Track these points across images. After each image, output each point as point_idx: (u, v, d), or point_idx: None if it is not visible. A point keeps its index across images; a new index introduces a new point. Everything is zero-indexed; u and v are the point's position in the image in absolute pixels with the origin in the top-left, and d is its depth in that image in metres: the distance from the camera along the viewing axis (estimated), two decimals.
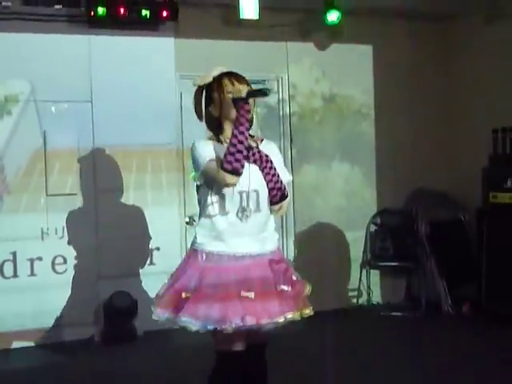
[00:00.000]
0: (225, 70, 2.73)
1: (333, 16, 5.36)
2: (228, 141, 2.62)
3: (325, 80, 5.75)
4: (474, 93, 5.77)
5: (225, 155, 2.56)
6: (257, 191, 2.66)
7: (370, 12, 5.44)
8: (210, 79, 2.70)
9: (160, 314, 2.66)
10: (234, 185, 2.60)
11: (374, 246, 5.74)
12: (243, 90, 2.60)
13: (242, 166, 2.57)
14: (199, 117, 2.75)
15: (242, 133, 2.55)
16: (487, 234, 5.25)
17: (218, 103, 2.67)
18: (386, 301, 5.88)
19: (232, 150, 2.54)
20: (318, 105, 5.75)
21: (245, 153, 2.57)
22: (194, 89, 2.77)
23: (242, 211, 2.63)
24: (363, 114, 5.89)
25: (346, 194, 5.84)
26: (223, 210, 2.65)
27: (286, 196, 2.73)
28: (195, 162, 2.67)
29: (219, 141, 2.69)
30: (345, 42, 5.66)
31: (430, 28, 5.97)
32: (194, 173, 2.71)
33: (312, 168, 5.73)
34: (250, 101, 2.60)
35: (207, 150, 2.64)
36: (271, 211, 2.74)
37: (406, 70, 5.92)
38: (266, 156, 2.66)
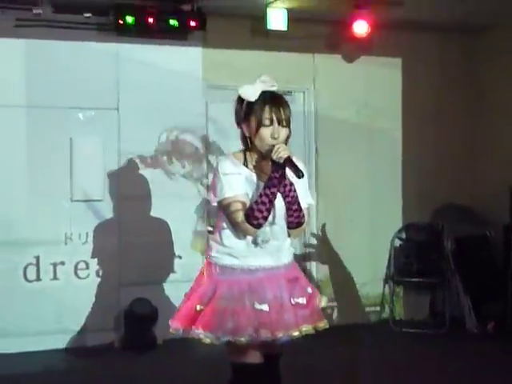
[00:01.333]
0: (268, 84, 2.59)
1: (361, 28, 5.33)
2: (253, 165, 2.61)
3: (353, 93, 5.70)
4: (504, 107, 5.68)
5: (252, 210, 2.53)
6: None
7: (398, 24, 5.40)
8: (253, 99, 2.57)
9: (176, 328, 2.65)
10: (252, 236, 2.59)
11: (398, 260, 5.67)
12: (284, 153, 2.50)
13: (266, 221, 2.56)
14: (238, 125, 2.67)
15: (273, 193, 2.53)
16: None
17: (252, 129, 2.58)
18: (410, 317, 5.79)
19: (261, 207, 2.52)
20: (344, 116, 5.70)
21: (271, 209, 2.55)
22: (232, 98, 2.69)
23: (260, 240, 2.60)
24: (390, 127, 5.83)
25: (371, 207, 5.78)
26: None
27: (302, 223, 2.69)
28: (215, 189, 2.60)
29: (245, 159, 2.63)
30: (373, 54, 5.63)
31: (459, 40, 5.92)
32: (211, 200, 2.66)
33: (336, 181, 5.66)
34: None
35: (234, 186, 2.57)
36: (288, 234, 2.71)
37: (435, 82, 5.87)
38: (291, 184, 2.58)
